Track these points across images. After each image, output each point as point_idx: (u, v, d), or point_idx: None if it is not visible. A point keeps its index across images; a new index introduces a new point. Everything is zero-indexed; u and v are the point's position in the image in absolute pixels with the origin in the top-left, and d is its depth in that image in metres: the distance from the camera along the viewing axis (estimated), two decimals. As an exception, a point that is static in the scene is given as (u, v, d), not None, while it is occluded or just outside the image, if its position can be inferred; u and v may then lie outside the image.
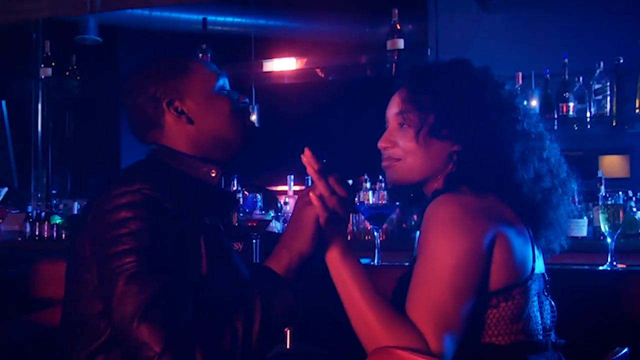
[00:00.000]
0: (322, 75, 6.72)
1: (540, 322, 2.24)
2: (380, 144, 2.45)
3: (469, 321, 2.07)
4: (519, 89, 2.39)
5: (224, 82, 2.62)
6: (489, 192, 2.21)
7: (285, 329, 2.48)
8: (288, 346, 2.77)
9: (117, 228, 2.16)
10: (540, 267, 2.30)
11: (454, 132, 2.28)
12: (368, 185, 5.10)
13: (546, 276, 2.35)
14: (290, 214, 5.29)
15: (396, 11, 5.63)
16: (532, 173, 2.25)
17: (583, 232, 4.45)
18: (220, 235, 2.49)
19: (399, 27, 5.62)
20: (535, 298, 2.23)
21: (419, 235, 2.25)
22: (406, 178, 2.43)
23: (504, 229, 2.14)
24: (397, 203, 3.11)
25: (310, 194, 2.22)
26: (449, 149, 2.31)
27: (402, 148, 2.38)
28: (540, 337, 2.22)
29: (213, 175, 2.51)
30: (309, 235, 2.25)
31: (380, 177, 5.01)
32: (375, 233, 3.63)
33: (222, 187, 2.75)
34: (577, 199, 2.43)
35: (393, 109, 2.44)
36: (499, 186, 2.22)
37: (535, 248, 2.27)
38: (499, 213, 2.18)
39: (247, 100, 2.67)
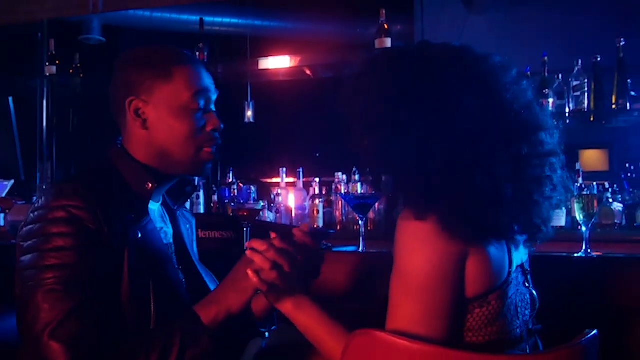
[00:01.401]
0: (315, 73, 6.71)
1: (517, 317, 2.17)
2: None
3: (448, 330, 2.01)
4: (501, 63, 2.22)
5: (202, 103, 2.50)
6: (463, 198, 2.09)
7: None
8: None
9: (42, 242, 2.15)
10: (518, 259, 2.20)
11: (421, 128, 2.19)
12: (357, 177, 5.10)
13: (526, 267, 2.28)
14: (281, 205, 5.32)
15: (384, 12, 5.62)
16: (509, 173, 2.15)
17: (562, 222, 4.47)
18: (155, 249, 2.44)
19: (386, 27, 5.60)
20: (514, 297, 2.15)
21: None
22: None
23: (477, 239, 2.03)
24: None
25: (248, 270, 2.20)
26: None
27: None
28: (517, 332, 2.16)
29: (148, 187, 2.44)
30: (242, 300, 2.24)
31: (354, 170, 5.02)
32: (360, 222, 3.63)
33: (162, 199, 2.67)
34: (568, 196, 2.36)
35: None
36: (470, 192, 2.12)
37: (512, 248, 2.16)
38: (472, 222, 2.01)
39: (217, 130, 2.55)
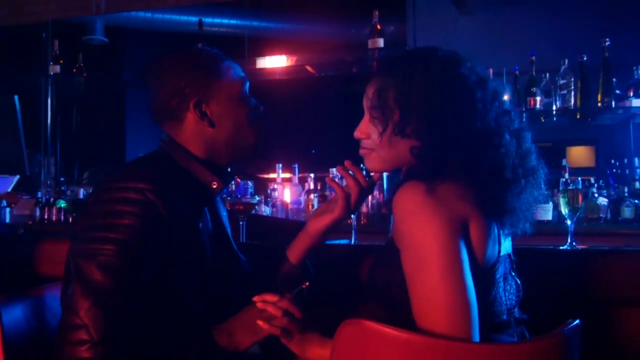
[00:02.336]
0: (311, 72, 6.71)
1: (505, 302, 2.20)
2: (355, 134, 2.41)
3: (472, 302, 1.98)
4: (488, 79, 2.28)
5: (247, 87, 2.59)
6: (455, 181, 2.13)
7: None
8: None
9: (110, 217, 2.16)
10: (506, 248, 2.25)
11: (416, 129, 2.21)
12: (350, 173, 5.09)
13: (512, 256, 2.31)
14: (277, 199, 5.31)
15: (376, 12, 5.62)
16: (490, 165, 2.17)
17: (549, 216, 4.47)
18: (217, 241, 2.50)
19: (379, 27, 5.61)
20: (501, 280, 2.19)
21: (394, 227, 2.22)
22: (379, 167, 2.41)
23: (474, 211, 2.08)
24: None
25: (259, 320, 2.23)
26: (410, 144, 2.24)
27: (373, 141, 2.34)
28: (505, 317, 2.19)
29: (214, 186, 2.49)
30: (253, 340, 2.27)
31: (362, 166, 5.00)
32: (352, 215, 3.61)
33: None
34: (544, 188, 2.36)
35: (366, 101, 2.39)
36: (460, 177, 2.16)
37: (501, 231, 2.21)
38: (465, 198, 2.10)
39: (261, 107, 2.65)
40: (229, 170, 2.69)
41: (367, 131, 2.37)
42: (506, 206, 2.18)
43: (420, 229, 2.03)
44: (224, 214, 2.80)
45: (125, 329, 2.11)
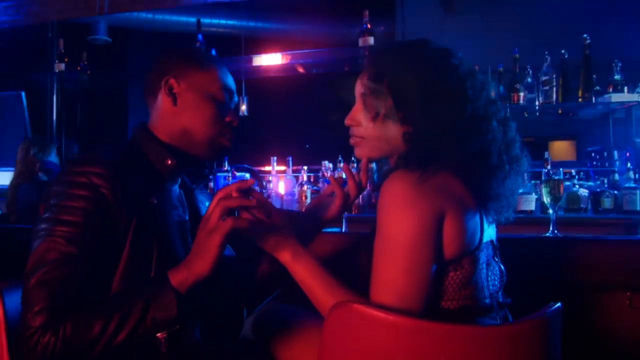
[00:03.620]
0: (304, 70, 6.71)
1: (488, 287, 2.19)
2: (346, 122, 2.40)
3: (426, 292, 2.02)
4: (476, 71, 2.29)
5: (227, 97, 2.54)
6: (443, 168, 2.14)
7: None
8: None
9: (60, 200, 2.17)
10: (489, 235, 2.24)
11: (408, 114, 2.21)
12: (342, 165, 5.08)
13: (495, 243, 2.30)
14: (272, 191, 5.30)
15: (367, 12, 5.62)
16: (478, 151, 2.17)
17: (532, 206, 4.48)
18: (165, 222, 2.41)
19: (369, 26, 5.62)
20: (484, 265, 2.18)
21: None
22: (370, 155, 2.38)
23: (454, 204, 2.07)
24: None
25: (213, 216, 2.14)
26: (402, 130, 2.24)
27: (364, 128, 2.33)
28: (487, 301, 2.18)
29: (167, 163, 2.44)
30: (207, 262, 2.12)
31: (353, 159, 5.01)
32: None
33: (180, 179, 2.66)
34: (526, 177, 2.37)
35: (358, 89, 2.37)
36: (449, 163, 2.16)
37: (485, 218, 2.20)
38: (449, 188, 2.10)
39: (234, 123, 2.55)
40: (205, 163, 2.67)
41: (358, 118, 2.35)
42: (491, 192, 2.18)
43: (395, 222, 2.04)
44: (205, 205, 2.76)
45: (68, 288, 2.08)
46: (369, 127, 2.31)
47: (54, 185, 2.24)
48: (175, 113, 2.47)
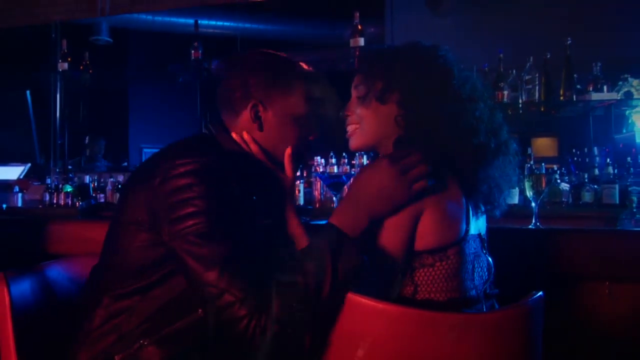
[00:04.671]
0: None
1: (475, 279, 2.21)
2: (344, 113, 2.45)
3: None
4: (459, 63, 2.33)
5: (313, 109, 2.48)
6: (434, 157, 2.16)
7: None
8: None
9: (183, 192, 2.11)
10: (476, 228, 2.27)
11: (397, 98, 2.27)
12: (334, 160, 5.08)
13: (482, 236, 2.32)
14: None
15: (357, 14, 5.63)
16: (466, 128, 2.22)
17: (515, 200, 4.48)
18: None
19: (360, 27, 5.62)
20: (472, 257, 2.21)
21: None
22: (363, 142, 2.41)
23: (434, 199, 2.13)
24: (353, 172, 3.10)
25: None
26: (394, 113, 2.28)
27: (358, 115, 2.38)
28: (473, 293, 2.20)
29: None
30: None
31: (344, 154, 5.02)
32: (334, 198, 3.66)
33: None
34: (517, 165, 2.39)
35: (354, 84, 2.44)
36: (440, 146, 2.19)
37: (471, 212, 2.23)
38: (435, 179, 2.14)
39: (316, 136, 2.54)
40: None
41: (352, 108, 2.42)
42: (480, 173, 2.24)
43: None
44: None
45: (250, 274, 2.04)
46: (361, 113, 2.37)
47: (163, 183, 2.18)
48: (262, 137, 2.44)
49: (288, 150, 2.44)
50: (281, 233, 2.40)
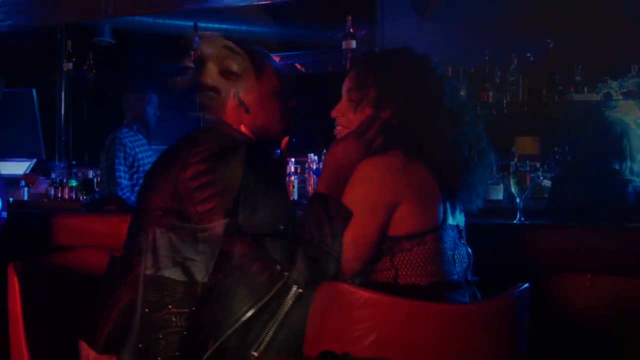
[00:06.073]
0: (292, 69, 6.72)
1: (455, 264, 2.24)
2: (333, 113, 2.46)
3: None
4: (449, 74, 2.36)
5: (283, 82, 2.60)
6: (417, 157, 2.20)
7: None
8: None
9: (205, 175, 2.23)
10: (456, 220, 2.31)
11: (387, 104, 2.28)
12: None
13: (460, 227, 2.35)
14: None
15: (349, 18, 5.62)
16: (452, 142, 2.24)
17: (500, 196, 4.51)
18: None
19: (352, 30, 5.60)
20: (452, 244, 2.24)
21: None
22: None
23: (413, 193, 2.17)
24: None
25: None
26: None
27: (347, 118, 2.39)
28: (455, 277, 2.22)
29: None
30: None
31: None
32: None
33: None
34: (495, 169, 2.42)
35: (345, 86, 2.44)
36: (424, 151, 2.21)
37: (449, 205, 2.27)
38: (415, 176, 2.20)
39: (295, 104, 2.66)
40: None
41: (342, 110, 2.42)
42: (462, 182, 2.28)
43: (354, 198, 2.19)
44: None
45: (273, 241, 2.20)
46: (351, 116, 2.38)
47: (183, 169, 2.29)
48: (251, 118, 2.54)
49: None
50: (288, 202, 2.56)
